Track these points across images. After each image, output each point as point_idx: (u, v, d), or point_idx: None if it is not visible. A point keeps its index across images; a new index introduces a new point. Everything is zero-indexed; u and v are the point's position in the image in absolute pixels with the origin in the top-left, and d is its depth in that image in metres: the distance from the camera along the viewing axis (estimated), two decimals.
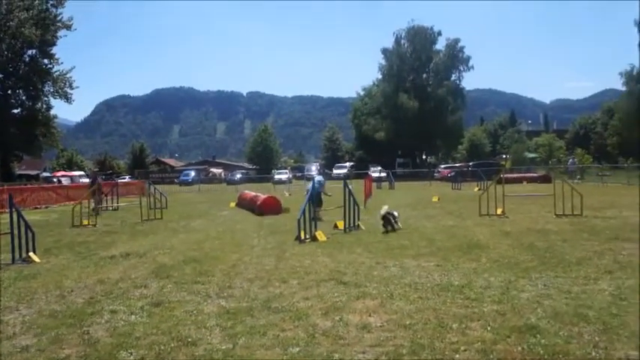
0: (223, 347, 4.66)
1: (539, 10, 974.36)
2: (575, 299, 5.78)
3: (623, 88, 55.87)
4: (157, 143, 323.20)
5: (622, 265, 7.56)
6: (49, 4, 47.29)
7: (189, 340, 4.87)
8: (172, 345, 4.75)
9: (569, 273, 7.13)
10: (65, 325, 5.42)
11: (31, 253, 9.53)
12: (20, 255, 9.42)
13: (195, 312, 5.78)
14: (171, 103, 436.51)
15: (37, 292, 7.02)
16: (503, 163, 54.06)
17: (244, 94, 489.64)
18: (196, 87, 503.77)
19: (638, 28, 52.78)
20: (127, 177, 64.45)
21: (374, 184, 30.06)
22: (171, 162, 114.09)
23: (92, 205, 18.55)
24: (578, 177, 34.32)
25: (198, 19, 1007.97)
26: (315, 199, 15.25)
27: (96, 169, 27.45)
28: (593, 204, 16.81)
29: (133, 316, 5.68)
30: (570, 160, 36.15)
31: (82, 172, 58.60)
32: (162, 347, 4.69)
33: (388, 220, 12.17)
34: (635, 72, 53.19)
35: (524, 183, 34.69)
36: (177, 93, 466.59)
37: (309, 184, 17.31)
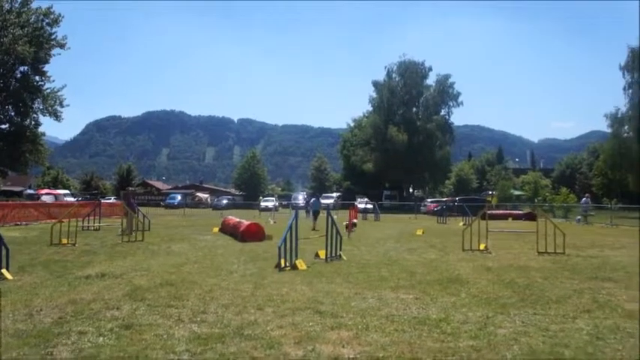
0: None
1: (529, 50, 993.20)
2: (552, 337, 5.71)
3: (609, 130, 56.67)
4: (145, 165, 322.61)
5: (600, 304, 7.52)
6: (44, 23, 47.29)
7: None
8: None
9: (548, 311, 7.07)
10: (28, 346, 5.24)
11: (3, 270, 9.29)
12: None
13: (165, 336, 5.63)
14: (161, 126, 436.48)
15: (3, 310, 6.82)
16: (489, 199, 54.27)
17: (235, 121, 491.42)
18: (187, 111, 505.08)
19: (622, 73, 54.07)
20: (112, 198, 63.97)
21: (360, 215, 30.03)
22: (159, 184, 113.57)
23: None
24: (592, 214, 34.47)
25: (193, 43, 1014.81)
26: (314, 214, 23.68)
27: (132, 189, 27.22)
28: (576, 243, 16.86)
29: (101, 338, 5.52)
30: (584, 199, 36.28)
31: (66, 191, 58.09)
32: None
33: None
34: (619, 115, 54.02)
35: (510, 219, 34.82)
36: (168, 116, 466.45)
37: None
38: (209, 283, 8.97)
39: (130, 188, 30.08)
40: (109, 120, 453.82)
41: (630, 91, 53.77)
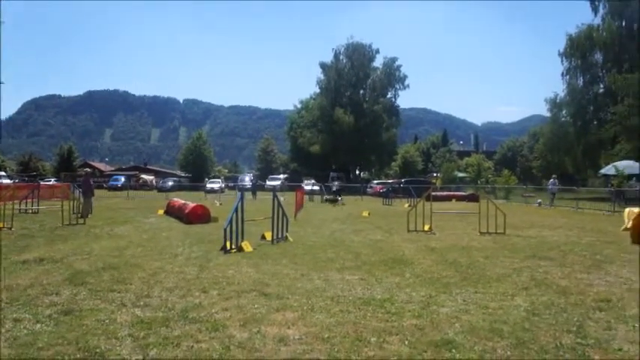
0: (133, 358, 4.45)
1: (474, 35, 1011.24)
2: (491, 315, 5.88)
3: (548, 114, 58.46)
4: (87, 146, 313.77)
5: (537, 282, 7.79)
6: None
7: (97, 350, 4.62)
8: (78, 356, 4.50)
9: (488, 289, 7.28)
10: None
11: None
12: None
13: (107, 321, 5.51)
14: (104, 106, 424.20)
15: None
16: (433, 181, 55.29)
17: (181, 101, 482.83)
18: (131, 91, 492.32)
19: (561, 59, 55.79)
20: (53, 179, 61.97)
21: (306, 197, 30.10)
22: (101, 166, 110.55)
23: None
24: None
25: (138, 21, 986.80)
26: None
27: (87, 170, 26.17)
28: (516, 223, 17.39)
29: (38, 325, 5.35)
30: (552, 180, 37.15)
31: (2, 173, 55.90)
32: (66, 358, 4.43)
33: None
34: (558, 99, 55.77)
35: (453, 201, 35.53)
36: (111, 96, 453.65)
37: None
38: (153, 267, 8.82)
39: (88, 170, 29.24)
40: (49, 99, 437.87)
41: (568, 76, 55.58)
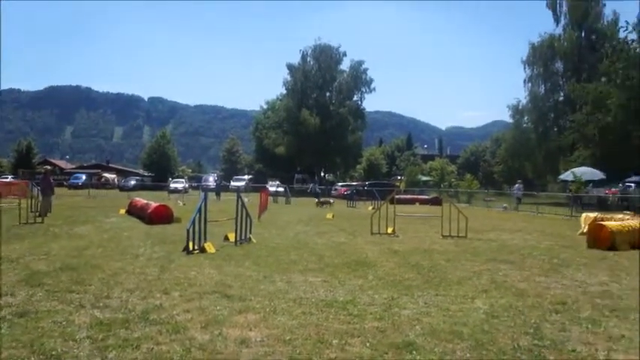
0: None
1: (439, 41, 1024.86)
2: (452, 317, 5.95)
3: (510, 120, 59.71)
4: (47, 143, 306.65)
5: (497, 284, 7.93)
6: None
7: (53, 353, 4.51)
8: (32, 359, 4.39)
9: (449, 291, 7.37)
10: None
11: None
12: None
13: (64, 323, 5.39)
14: (66, 102, 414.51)
15: None
16: (398, 184, 55.74)
17: (145, 99, 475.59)
18: (94, 87, 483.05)
19: (524, 67, 57.15)
20: (10, 176, 60.44)
21: (270, 198, 30.03)
22: (62, 164, 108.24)
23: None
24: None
25: (102, 16, 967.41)
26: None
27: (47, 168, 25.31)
28: (477, 227, 17.64)
29: None
30: (517, 185, 37.72)
31: None
32: None
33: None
34: (520, 106, 57.01)
35: (417, 204, 35.91)
36: (74, 92, 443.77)
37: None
38: (113, 267, 8.68)
39: (48, 167, 28.40)
40: (7, 93, 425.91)
41: (530, 84, 56.95)
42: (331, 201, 34.95)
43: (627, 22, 39.89)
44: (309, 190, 41.01)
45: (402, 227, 16.27)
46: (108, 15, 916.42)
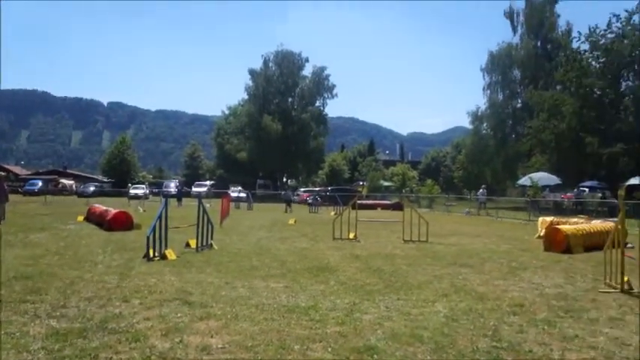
0: None
1: (401, 47, 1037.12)
2: (413, 321, 6.02)
3: (470, 127, 60.78)
4: (0, 148, 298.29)
5: (457, 288, 8.05)
6: None
7: None
8: None
9: (411, 296, 7.45)
10: None
11: None
12: None
13: (18, 334, 5.24)
14: (21, 106, 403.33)
15: None
16: (360, 189, 56.07)
17: (105, 104, 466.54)
18: (52, 91, 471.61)
19: (483, 74, 58.35)
20: None
21: (232, 204, 29.87)
22: (16, 169, 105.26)
23: None
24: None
25: (59, 18, 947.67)
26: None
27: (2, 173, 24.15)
28: (438, 231, 17.87)
29: None
30: (481, 190, 38.18)
31: None
32: None
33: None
34: (479, 112, 58.12)
35: (379, 209, 36.18)
36: (29, 96, 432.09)
37: None
38: (71, 276, 8.48)
39: (2, 173, 27.47)
40: None
41: (489, 91, 58.16)
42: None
43: (580, 33, 41.55)
44: (282, 196, 41.60)
45: (364, 232, 16.38)
46: (64, 17, 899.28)
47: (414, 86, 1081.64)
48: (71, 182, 74.36)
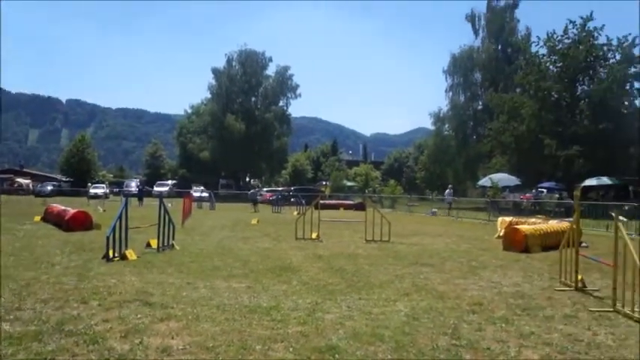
0: None
1: (365, 48, 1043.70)
2: (374, 320, 6.07)
3: (432, 128, 61.52)
4: None
5: (418, 287, 8.15)
6: None
7: None
8: None
9: (372, 295, 7.51)
10: None
11: None
12: None
13: None
14: None
15: None
16: (323, 189, 56.18)
17: (63, 101, 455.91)
18: (6, 87, 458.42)
19: (445, 76, 59.20)
20: None
21: (194, 204, 29.58)
22: None
23: None
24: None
25: (14, 14, 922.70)
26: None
27: None
28: (400, 231, 18.05)
29: None
30: (448, 191, 38.47)
31: None
32: None
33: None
34: (441, 114, 58.89)
35: (341, 209, 36.28)
36: None
37: None
38: (26, 277, 8.28)
39: None
40: None
41: (451, 93, 59.01)
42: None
43: (538, 38, 42.43)
44: (249, 195, 41.98)
45: (327, 232, 16.44)
46: (20, 11, 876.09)
47: (378, 87, 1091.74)
48: (28, 181, 72.52)
